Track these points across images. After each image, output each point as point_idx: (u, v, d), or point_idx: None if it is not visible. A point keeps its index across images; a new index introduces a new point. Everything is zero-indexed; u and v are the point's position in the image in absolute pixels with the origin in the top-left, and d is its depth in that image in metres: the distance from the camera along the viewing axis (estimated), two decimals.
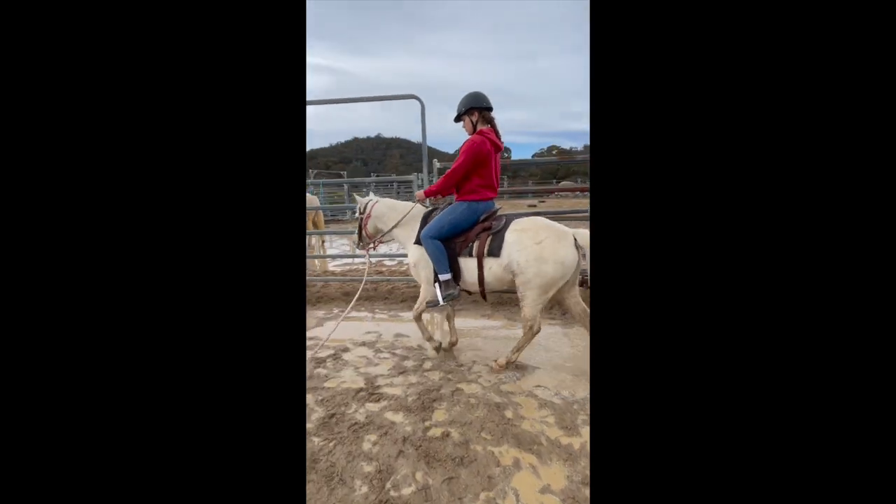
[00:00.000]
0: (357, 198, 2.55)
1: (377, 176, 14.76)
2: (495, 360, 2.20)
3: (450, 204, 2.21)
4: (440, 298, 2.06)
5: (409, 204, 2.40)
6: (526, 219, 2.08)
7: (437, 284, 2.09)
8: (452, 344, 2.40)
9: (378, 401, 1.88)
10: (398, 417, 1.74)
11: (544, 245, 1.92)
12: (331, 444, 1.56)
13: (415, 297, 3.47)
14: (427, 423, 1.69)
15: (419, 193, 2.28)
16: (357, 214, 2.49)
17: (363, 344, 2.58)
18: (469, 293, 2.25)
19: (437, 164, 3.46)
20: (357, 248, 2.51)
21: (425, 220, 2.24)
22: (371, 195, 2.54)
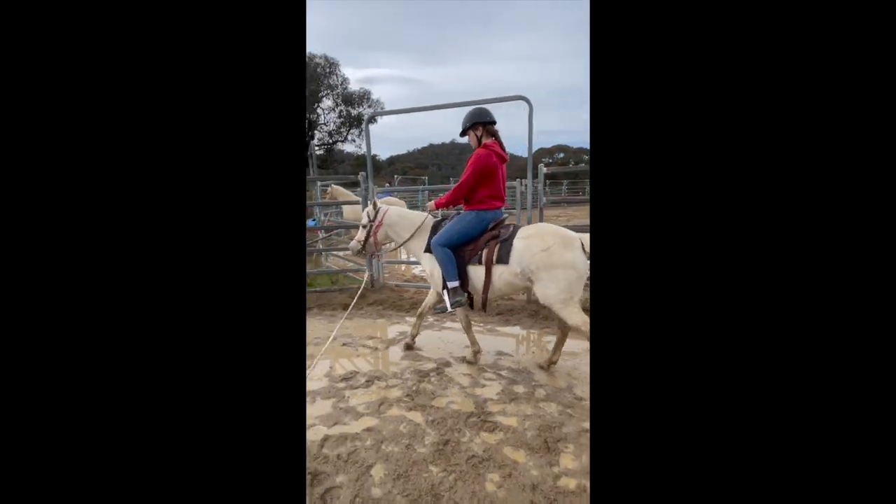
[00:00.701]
0: (376, 202, 2.48)
1: (454, 181, 14.91)
2: None
3: (458, 213, 2.23)
4: (448, 305, 2.10)
5: (422, 214, 2.41)
6: (532, 226, 2.13)
7: (445, 291, 2.11)
8: (476, 353, 2.39)
9: (493, 431, 1.71)
10: (520, 456, 1.54)
11: (552, 251, 1.91)
12: (451, 478, 1.42)
13: (511, 310, 3.28)
14: (556, 470, 1.46)
15: (430, 204, 2.32)
16: (366, 222, 2.43)
17: (464, 359, 2.45)
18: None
19: (543, 169, 3.22)
20: (357, 254, 2.47)
21: (435, 229, 2.28)
22: (378, 203, 2.49)
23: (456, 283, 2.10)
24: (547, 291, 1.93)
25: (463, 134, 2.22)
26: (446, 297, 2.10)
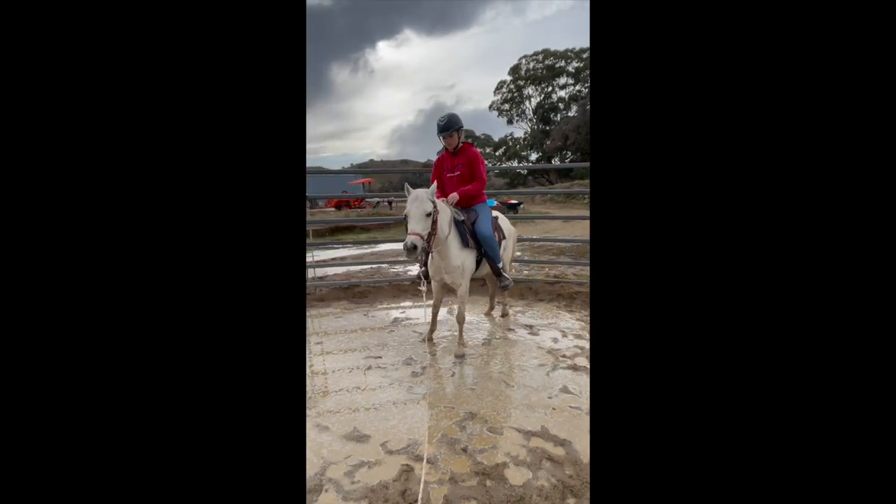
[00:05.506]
0: (413, 191, 1.98)
1: None
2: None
3: (467, 208, 2.51)
4: (510, 281, 2.58)
5: (448, 208, 2.31)
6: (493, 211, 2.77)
7: (503, 273, 2.54)
8: (429, 339, 2.66)
9: None
10: None
11: (508, 224, 2.93)
12: None
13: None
14: None
15: (454, 197, 2.37)
16: (430, 210, 1.95)
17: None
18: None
19: None
20: (416, 260, 2.11)
21: (457, 223, 2.38)
22: (419, 192, 2.01)
23: (502, 262, 2.54)
24: (507, 249, 2.79)
25: (444, 132, 2.45)
26: (506, 276, 2.57)
